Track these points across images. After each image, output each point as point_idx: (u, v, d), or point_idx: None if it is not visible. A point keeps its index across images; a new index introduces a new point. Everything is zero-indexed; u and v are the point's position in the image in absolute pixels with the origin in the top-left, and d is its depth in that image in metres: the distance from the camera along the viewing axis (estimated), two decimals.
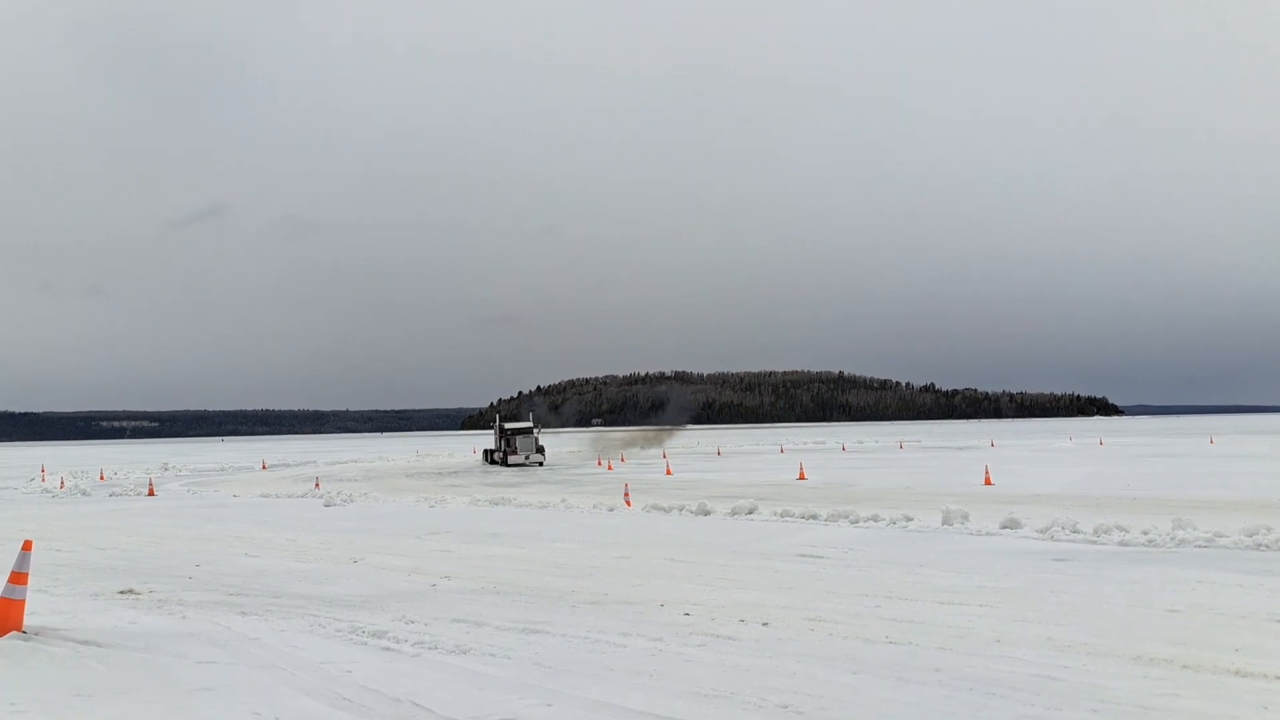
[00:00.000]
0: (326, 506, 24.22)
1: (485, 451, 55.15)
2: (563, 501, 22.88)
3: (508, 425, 50.58)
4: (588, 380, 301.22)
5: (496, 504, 23.30)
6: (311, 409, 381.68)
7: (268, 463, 58.98)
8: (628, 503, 21.73)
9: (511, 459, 47.49)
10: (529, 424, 51.01)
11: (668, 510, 20.09)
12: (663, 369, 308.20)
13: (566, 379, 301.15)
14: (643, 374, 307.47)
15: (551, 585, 11.35)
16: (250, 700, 6.71)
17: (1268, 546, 12.93)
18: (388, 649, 8.25)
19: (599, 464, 46.57)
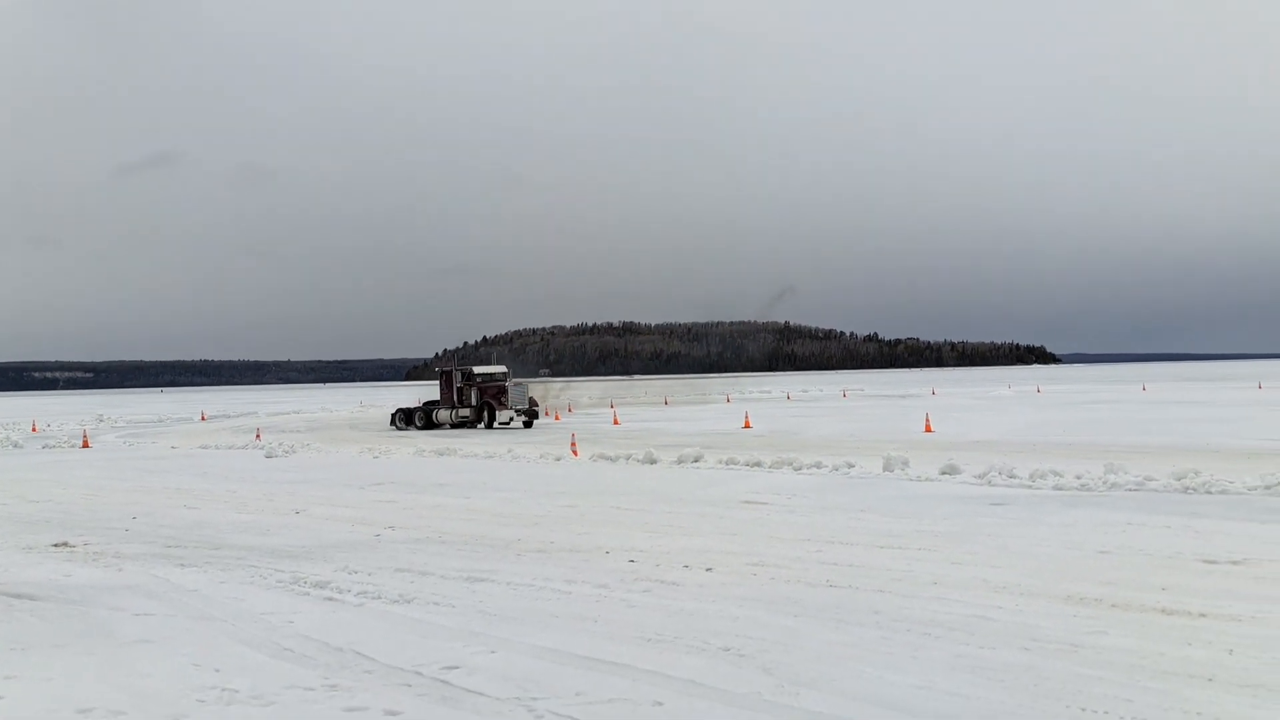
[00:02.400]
0: (268, 458, 23.96)
1: (402, 412, 38.73)
2: (509, 451, 22.85)
3: (479, 370, 37.04)
4: (534, 331, 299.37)
5: (442, 454, 23.21)
6: (251, 359, 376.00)
7: (207, 414, 58.10)
8: (574, 452, 21.77)
9: (501, 416, 34.82)
10: (503, 368, 38.17)
11: (614, 459, 20.16)
12: (610, 320, 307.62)
13: (513, 329, 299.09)
14: (590, 325, 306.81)
15: (497, 534, 11.36)
16: (189, 652, 6.64)
17: (1195, 490, 13.31)
18: (330, 599, 8.21)
19: (546, 414, 46.40)
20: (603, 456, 20.68)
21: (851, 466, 17.00)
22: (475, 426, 35.32)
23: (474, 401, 35.79)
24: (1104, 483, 14.10)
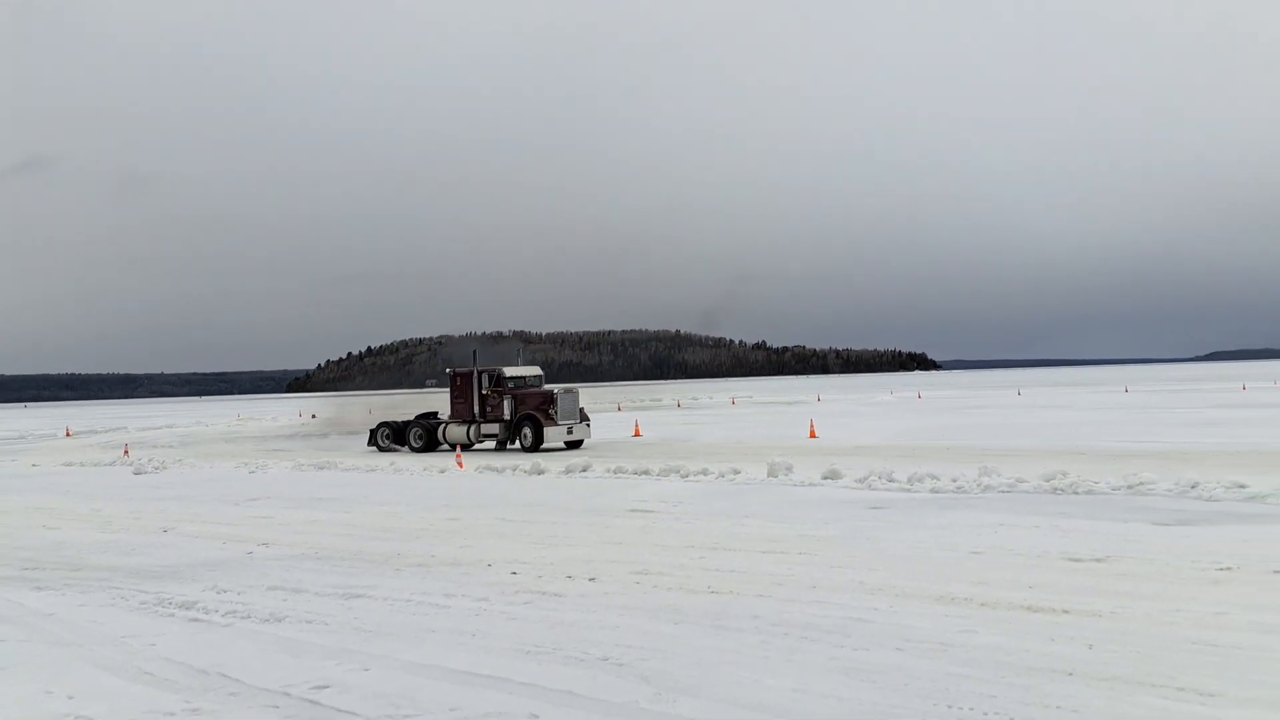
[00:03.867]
0: (136, 474, 22.98)
1: (388, 428, 29.46)
2: (391, 464, 22.42)
3: (511, 372, 28.35)
4: (421, 340, 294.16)
5: (322, 468, 22.61)
6: (122, 372, 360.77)
7: (72, 429, 55.48)
8: (459, 464, 21.47)
9: (550, 435, 26.28)
10: (538, 370, 29.87)
11: (501, 471, 19.95)
12: (500, 329, 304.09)
13: (400, 339, 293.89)
14: (479, 333, 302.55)
15: (377, 549, 11.10)
16: (43, 678, 6.30)
17: (1063, 490, 13.83)
18: (196, 620, 7.89)
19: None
20: (489, 468, 20.45)
21: (737, 473, 17.16)
22: (505, 448, 27.18)
23: (507, 414, 27.41)
24: (978, 485, 14.54)
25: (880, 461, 17.79)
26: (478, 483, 18.38)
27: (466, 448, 27.20)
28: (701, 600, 7.95)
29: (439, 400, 30.94)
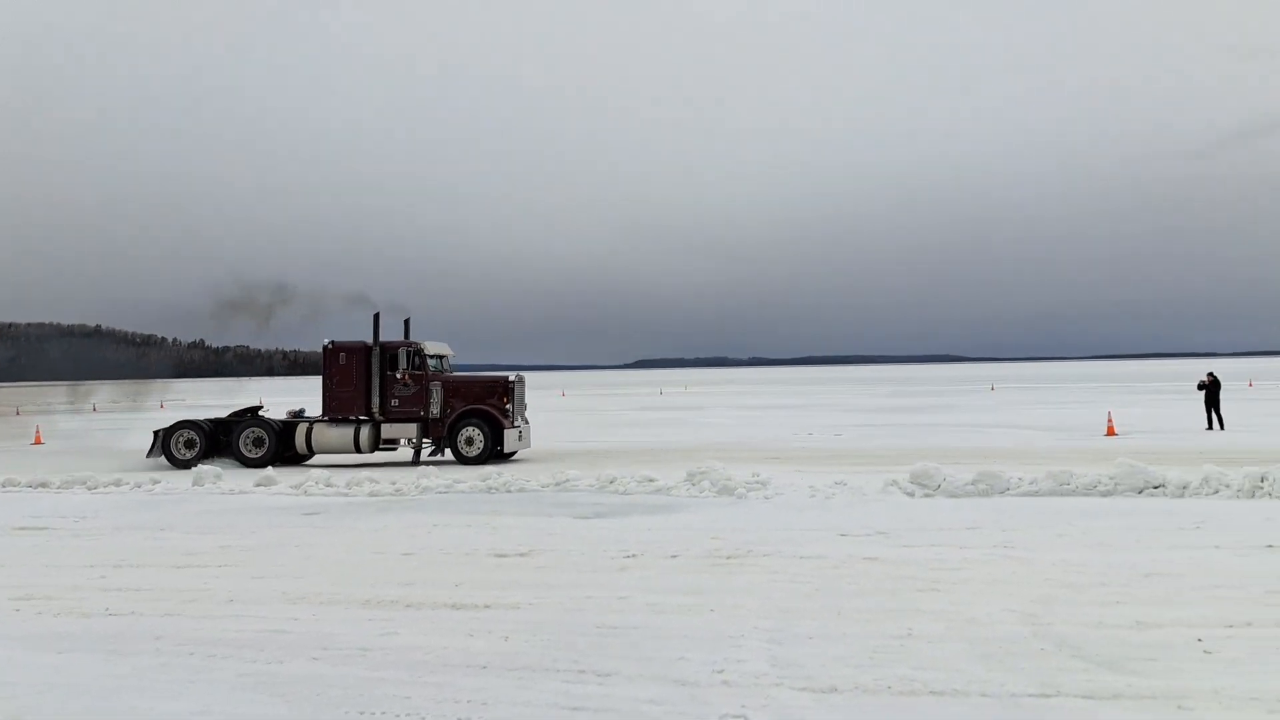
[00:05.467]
0: None
1: (193, 430, 20.14)
2: None
3: (433, 349, 20.80)
4: None
5: None
6: None
7: None
8: None
9: (510, 438, 19.93)
10: (447, 348, 21.59)
11: None
12: None
13: None
14: None
15: None
16: None
17: (497, 489, 14.44)
18: None
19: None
20: None
21: (157, 483, 15.70)
22: (417, 460, 19.93)
23: (435, 410, 20.10)
24: (417, 487, 14.70)
25: (320, 469, 17.30)
26: None
27: (300, 459, 20.20)
28: (97, 624, 7.02)
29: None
